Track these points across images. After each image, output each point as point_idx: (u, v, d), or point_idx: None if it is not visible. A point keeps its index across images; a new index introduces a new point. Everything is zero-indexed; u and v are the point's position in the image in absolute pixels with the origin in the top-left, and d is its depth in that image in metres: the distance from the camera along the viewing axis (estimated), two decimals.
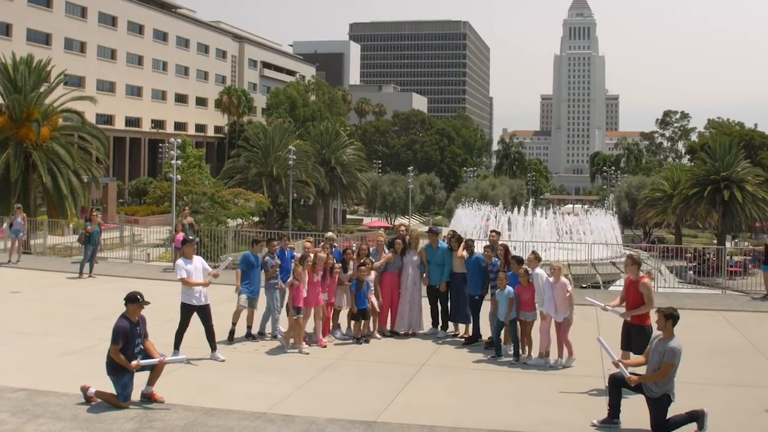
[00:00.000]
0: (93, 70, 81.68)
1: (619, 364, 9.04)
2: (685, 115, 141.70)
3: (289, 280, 12.83)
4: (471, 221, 46.83)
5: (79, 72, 76.37)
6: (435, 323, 14.41)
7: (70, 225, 35.87)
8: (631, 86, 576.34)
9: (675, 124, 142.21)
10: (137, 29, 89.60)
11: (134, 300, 9.64)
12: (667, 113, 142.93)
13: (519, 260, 12.77)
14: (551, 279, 11.95)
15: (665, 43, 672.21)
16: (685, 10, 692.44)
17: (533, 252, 12.89)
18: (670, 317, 8.76)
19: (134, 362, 9.44)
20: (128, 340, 9.44)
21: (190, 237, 14.15)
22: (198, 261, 12.06)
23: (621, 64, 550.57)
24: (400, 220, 79.83)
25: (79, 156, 37.09)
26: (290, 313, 12.75)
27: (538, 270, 12.27)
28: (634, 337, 10.66)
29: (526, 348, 12.39)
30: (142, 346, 9.69)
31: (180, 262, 11.97)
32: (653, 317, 9.52)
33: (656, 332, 9.06)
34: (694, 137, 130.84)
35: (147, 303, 9.75)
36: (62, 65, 49.15)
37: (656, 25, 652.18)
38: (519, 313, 12.28)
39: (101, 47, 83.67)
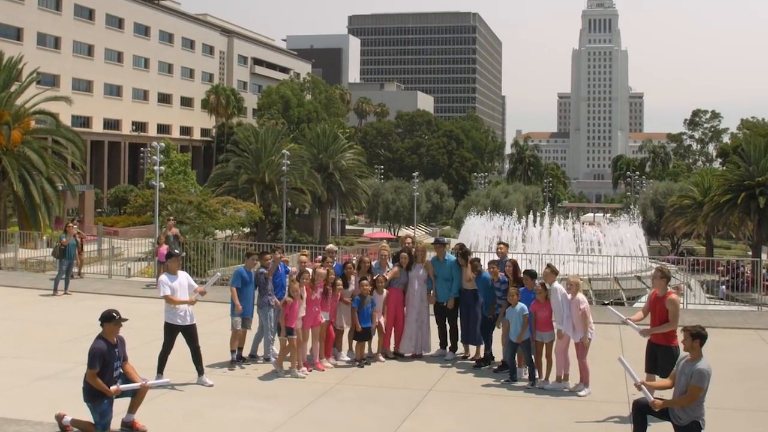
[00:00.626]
0: (68, 67, 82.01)
1: (643, 387, 9.06)
2: (716, 115, 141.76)
3: (284, 297, 12.85)
4: (482, 232, 46.81)
5: (53, 70, 76.66)
6: (443, 344, 14.39)
7: (44, 237, 35.98)
8: (657, 83, 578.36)
9: (705, 125, 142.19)
10: (116, 23, 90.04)
11: (110, 318, 9.64)
12: (696, 113, 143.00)
13: (533, 274, 12.77)
14: (569, 295, 11.98)
15: (694, 36, 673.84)
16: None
17: (549, 265, 12.89)
18: (697, 336, 8.78)
19: (113, 387, 9.43)
20: (106, 363, 9.43)
21: (175, 251, 14.20)
22: (183, 277, 12.10)
23: (645, 59, 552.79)
24: (404, 231, 79.91)
25: (54, 162, 37.31)
26: (281, 333, 12.78)
27: (556, 285, 12.25)
28: (660, 358, 10.66)
29: (543, 371, 12.41)
30: (121, 370, 9.69)
31: (163, 277, 12.01)
32: (681, 337, 9.54)
33: (683, 353, 9.09)
34: (726, 139, 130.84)
35: (124, 320, 9.77)
36: (35, 62, 49.45)
37: (683, 16, 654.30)
38: (535, 333, 12.30)
39: (77, 43, 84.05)
